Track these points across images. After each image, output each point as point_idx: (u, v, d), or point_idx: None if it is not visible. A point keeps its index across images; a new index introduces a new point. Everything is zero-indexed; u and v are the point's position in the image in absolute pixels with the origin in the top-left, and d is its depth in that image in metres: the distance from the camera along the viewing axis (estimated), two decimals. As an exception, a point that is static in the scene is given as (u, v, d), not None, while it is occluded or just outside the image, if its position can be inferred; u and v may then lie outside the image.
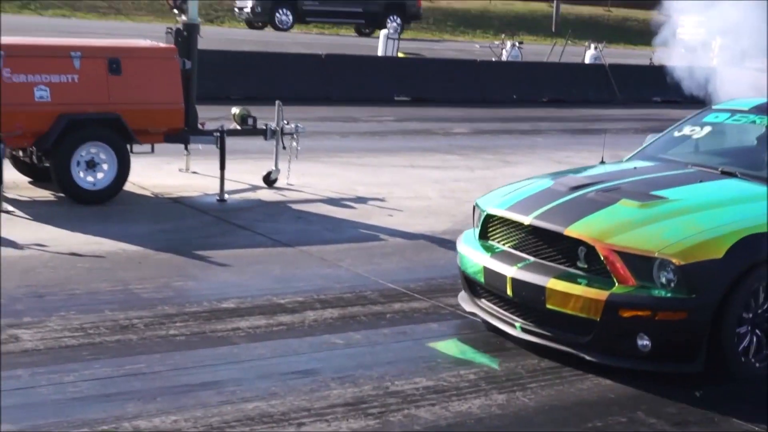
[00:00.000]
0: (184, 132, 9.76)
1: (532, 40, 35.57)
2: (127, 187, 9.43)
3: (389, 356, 5.84)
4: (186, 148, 10.43)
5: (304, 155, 10.92)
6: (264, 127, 10.44)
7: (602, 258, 5.61)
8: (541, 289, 5.72)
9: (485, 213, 6.43)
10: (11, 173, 9.48)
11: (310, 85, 17.92)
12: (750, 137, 7.28)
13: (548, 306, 5.72)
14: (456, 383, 5.47)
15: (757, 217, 5.80)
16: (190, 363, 5.55)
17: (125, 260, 7.50)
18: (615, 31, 41.90)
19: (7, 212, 8.52)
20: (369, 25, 33.44)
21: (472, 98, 19.33)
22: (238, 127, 10.44)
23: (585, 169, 7.32)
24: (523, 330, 5.94)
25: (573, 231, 5.78)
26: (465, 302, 6.54)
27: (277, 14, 32.16)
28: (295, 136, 10.56)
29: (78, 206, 8.93)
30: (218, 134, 9.82)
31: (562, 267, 5.82)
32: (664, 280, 5.47)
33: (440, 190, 10.74)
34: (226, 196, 9.70)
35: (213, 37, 20.13)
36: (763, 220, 5.74)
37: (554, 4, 42.46)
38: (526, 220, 6.05)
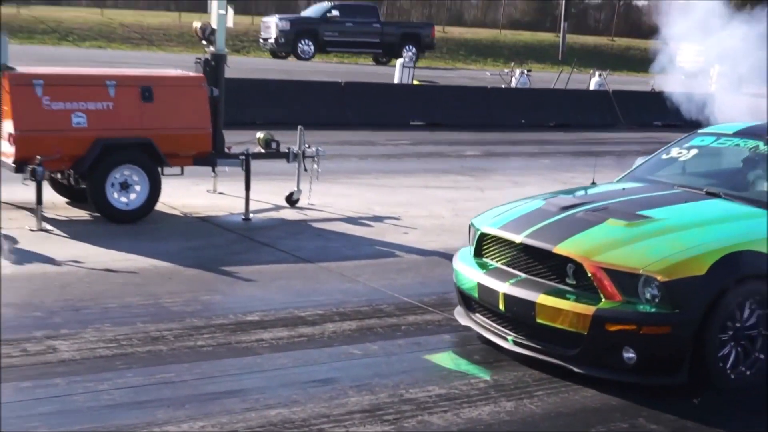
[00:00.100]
0: (211, 155, 9.81)
1: (540, 68, 35.62)
2: (158, 207, 9.48)
3: (404, 366, 5.84)
4: (213, 171, 10.48)
5: (325, 177, 10.94)
6: (287, 151, 10.48)
7: (590, 275, 5.58)
8: (531, 305, 5.70)
9: (479, 232, 6.41)
10: (50, 194, 9.53)
11: (330, 110, 17.95)
12: (734, 160, 7.22)
13: (538, 320, 5.69)
14: (467, 391, 5.47)
15: (739, 236, 5.79)
16: (217, 372, 5.56)
17: (156, 276, 7.54)
18: (618, 59, 41.86)
19: (46, 231, 8.58)
20: (386, 54, 33.55)
21: (483, 123, 19.32)
22: (263, 151, 10.48)
23: (576, 190, 7.27)
24: (515, 343, 5.92)
25: (562, 249, 5.76)
26: (461, 316, 6.51)
27: (300, 44, 32.31)
28: (315, 158, 10.60)
29: (112, 225, 8.98)
30: (244, 157, 9.85)
31: (551, 283, 5.79)
32: (648, 295, 5.44)
33: (453, 209, 10.74)
34: (251, 215, 9.73)
35: (239, 66, 20.20)
36: (744, 239, 5.72)
37: (560, 35, 42.49)
38: (518, 238, 6.03)
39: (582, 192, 7.00)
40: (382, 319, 6.73)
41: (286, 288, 7.42)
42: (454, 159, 15.16)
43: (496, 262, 6.24)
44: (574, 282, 5.69)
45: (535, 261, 5.93)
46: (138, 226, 9.05)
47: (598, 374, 5.56)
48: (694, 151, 7.33)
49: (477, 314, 6.32)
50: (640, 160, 7.67)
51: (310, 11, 35.52)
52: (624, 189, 6.87)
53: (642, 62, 35.42)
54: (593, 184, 7.27)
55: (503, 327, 6.03)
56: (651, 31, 13.93)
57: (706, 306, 5.38)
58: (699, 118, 10.58)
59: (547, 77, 27.47)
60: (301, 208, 10.36)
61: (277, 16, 33.96)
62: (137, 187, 9.14)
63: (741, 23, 10.83)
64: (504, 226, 6.25)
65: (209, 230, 9.20)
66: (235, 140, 10.88)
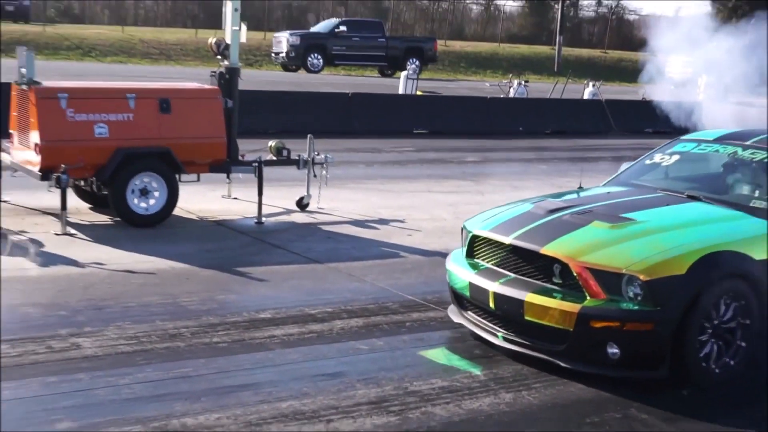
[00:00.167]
0: (226, 163, 9.82)
1: (537, 78, 35.61)
2: (176, 211, 9.49)
3: (408, 360, 5.84)
4: (228, 177, 10.49)
5: (333, 182, 10.95)
6: (297, 158, 10.49)
7: (575, 274, 5.57)
8: (520, 303, 5.68)
9: (471, 234, 6.39)
10: (74, 200, 9.56)
11: (338, 120, 17.96)
12: (714, 165, 7.19)
13: (527, 318, 5.67)
14: (468, 383, 5.47)
15: (718, 237, 5.77)
16: (231, 367, 5.57)
17: (174, 276, 7.55)
18: (611, 70, 41.87)
19: (70, 235, 8.60)
20: (391, 67, 33.63)
21: (482, 131, 19.32)
22: (274, 158, 10.50)
23: (563, 194, 7.22)
24: (505, 339, 5.90)
25: (549, 250, 5.74)
26: (453, 314, 6.50)
27: (309, 58, 32.40)
28: (324, 165, 10.60)
29: (132, 229, 8.99)
30: (256, 164, 9.87)
31: (539, 282, 5.77)
32: (631, 294, 5.41)
33: (454, 213, 10.73)
34: (264, 219, 9.75)
35: (252, 79, 20.29)
36: (723, 240, 5.71)
37: (556, 47, 42.49)
38: (507, 240, 6.01)
39: (569, 196, 6.97)
40: (387, 316, 6.73)
41: (297, 287, 7.42)
42: (455, 165, 15.16)
43: (487, 262, 6.22)
44: (561, 281, 5.67)
45: (523, 261, 5.91)
46: (157, 230, 9.07)
47: (583, 369, 5.53)
48: (676, 157, 7.29)
49: (469, 312, 6.31)
50: (625, 165, 7.64)
51: (319, 27, 35.61)
52: (609, 193, 6.85)
53: (633, 73, 35.28)
54: (580, 188, 7.26)
55: (494, 324, 6.02)
56: (642, 44, 13.93)
57: (686, 304, 5.35)
58: (687, 125, 10.57)
59: (543, 87, 27.46)
60: (310, 212, 10.37)
61: (288, 31, 34.14)
62: (156, 193, 9.16)
63: (727, 35, 10.82)
64: (494, 228, 6.23)
65: (224, 233, 9.22)
66: (249, 148, 10.89)
